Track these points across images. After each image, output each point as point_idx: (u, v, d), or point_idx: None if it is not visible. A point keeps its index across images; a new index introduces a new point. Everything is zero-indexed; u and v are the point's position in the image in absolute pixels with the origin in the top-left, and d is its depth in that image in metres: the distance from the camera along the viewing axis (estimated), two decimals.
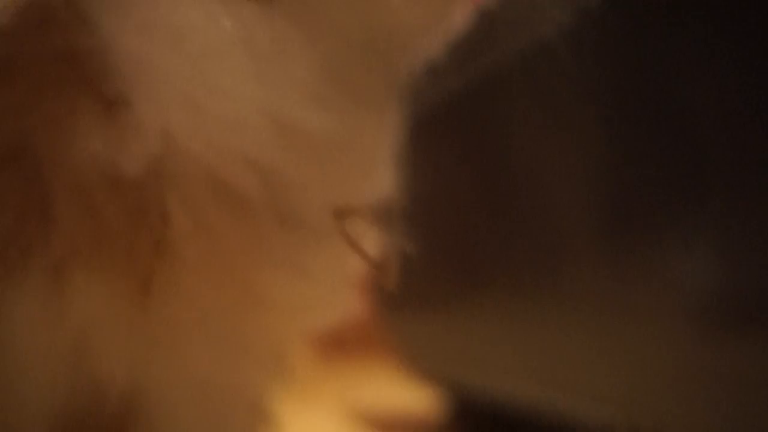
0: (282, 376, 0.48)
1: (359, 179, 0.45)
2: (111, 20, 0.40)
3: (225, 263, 0.42)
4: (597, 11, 0.51)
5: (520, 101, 0.62)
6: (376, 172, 0.46)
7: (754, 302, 0.43)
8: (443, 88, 0.70)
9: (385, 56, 0.44)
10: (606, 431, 0.61)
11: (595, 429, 0.63)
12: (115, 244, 0.39)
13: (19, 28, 0.39)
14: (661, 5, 0.48)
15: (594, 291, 0.58)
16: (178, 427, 0.44)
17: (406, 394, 1.29)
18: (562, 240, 0.62)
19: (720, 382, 0.46)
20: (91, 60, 0.39)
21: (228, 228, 0.41)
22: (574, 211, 0.60)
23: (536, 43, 0.54)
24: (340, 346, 0.69)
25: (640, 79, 0.51)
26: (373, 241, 0.47)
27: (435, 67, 0.47)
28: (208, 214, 0.41)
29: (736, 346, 0.45)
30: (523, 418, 0.79)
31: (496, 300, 0.75)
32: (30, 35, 0.39)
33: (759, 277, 0.43)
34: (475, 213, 0.75)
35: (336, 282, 0.47)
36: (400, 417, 1.28)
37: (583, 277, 0.60)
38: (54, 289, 0.39)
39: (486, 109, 0.67)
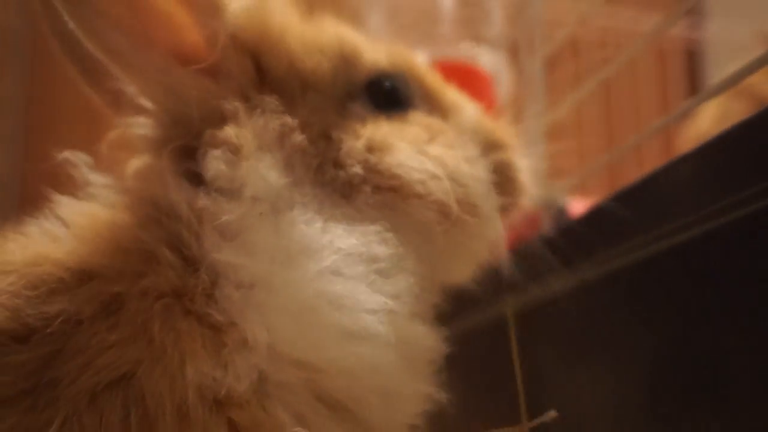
0: None
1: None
2: (223, 249, 0.42)
3: None
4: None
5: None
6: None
7: None
8: None
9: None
10: None
11: None
12: None
13: (123, 269, 0.42)
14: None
15: None
16: None
17: None
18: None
19: None
20: (196, 292, 0.41)
21: None
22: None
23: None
24: None
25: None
26: None
27: None
28: (320, 426, 0.41)
29: None
30: None
31: None
32: (134, 276, 0.41)
33: None
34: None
35: None
36: None
37: None
38: None
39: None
